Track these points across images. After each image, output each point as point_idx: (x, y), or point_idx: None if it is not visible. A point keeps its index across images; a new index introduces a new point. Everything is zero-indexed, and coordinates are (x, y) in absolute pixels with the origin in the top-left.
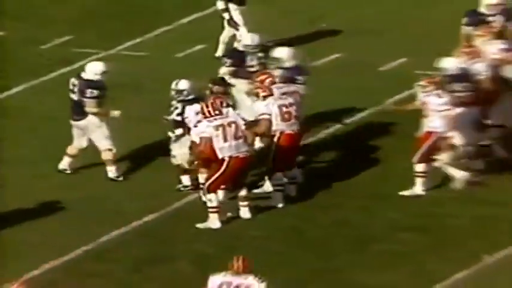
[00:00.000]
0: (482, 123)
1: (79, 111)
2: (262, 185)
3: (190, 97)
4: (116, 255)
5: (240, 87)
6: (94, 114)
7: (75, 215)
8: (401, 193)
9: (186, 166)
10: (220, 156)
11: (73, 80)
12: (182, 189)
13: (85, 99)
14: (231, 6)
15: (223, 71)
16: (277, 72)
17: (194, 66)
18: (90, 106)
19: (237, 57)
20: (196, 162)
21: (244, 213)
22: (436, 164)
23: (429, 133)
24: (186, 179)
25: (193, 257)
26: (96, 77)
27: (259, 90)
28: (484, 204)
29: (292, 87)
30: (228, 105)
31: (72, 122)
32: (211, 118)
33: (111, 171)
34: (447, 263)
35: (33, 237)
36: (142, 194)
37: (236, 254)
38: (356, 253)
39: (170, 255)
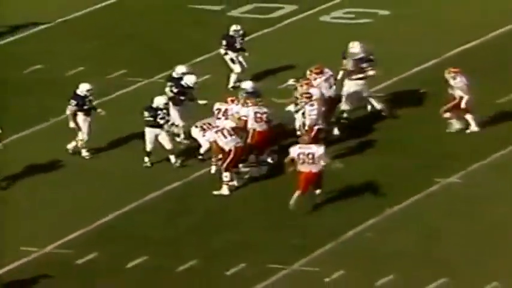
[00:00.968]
0: None
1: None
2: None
3: None
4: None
5: None
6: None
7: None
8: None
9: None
10: (226, 148)
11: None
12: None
13: None
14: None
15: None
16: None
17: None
18: None
19: None
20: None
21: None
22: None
23: None
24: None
25: (207, 210)
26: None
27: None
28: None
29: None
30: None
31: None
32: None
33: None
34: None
35: (68, 203)
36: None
37: (230, 205)
38: None
39: (192, 210)
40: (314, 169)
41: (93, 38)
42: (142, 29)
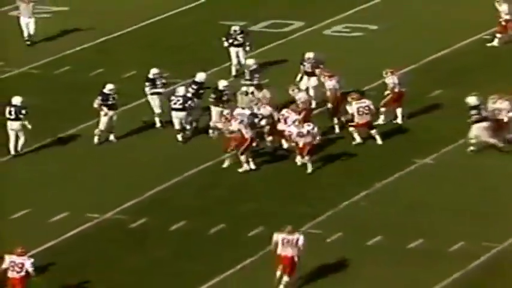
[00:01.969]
0: None
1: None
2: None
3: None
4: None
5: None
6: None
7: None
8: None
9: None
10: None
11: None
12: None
13: None
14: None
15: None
16: None
17: None
18: None
19: None
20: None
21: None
22: None
23: None
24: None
25: (233, 185)
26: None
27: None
28: None
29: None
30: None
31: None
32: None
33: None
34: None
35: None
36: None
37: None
38: None
39: (221, 184)
40: (291, 254)
41: (145, 47)
42: (182, 40)
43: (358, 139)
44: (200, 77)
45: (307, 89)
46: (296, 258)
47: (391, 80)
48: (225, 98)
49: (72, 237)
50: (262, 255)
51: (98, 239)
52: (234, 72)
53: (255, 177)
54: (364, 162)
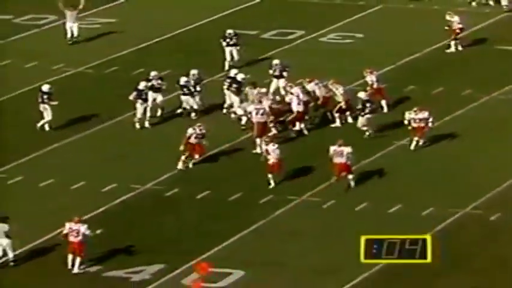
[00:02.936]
0: None
1: None
2: None
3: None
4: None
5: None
6: None
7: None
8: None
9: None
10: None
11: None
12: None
13: None
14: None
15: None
16: None
17: None
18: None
19: None
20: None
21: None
22: None
23: None
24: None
25: (247, 162)
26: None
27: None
28: None
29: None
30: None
31: None
32: None
33: None
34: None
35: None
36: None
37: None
38: None
39: (239, 162)
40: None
41: (178, 51)
42: (208, 45)
43: (337, 123)
44: (234, 72)
45: (277, 89)
46: (349, 162)
47: (369, 78)
48: (242, 88)
49: (119, 203)
50: (273, 218)
51: (139, 205)
52: (227, 67)
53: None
54: (353, 143)
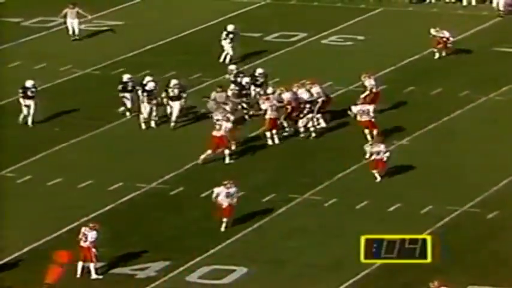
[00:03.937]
0: None
1: None
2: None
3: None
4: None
5: None
6: None
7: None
8: None
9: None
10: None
11: None
12: None
13: None
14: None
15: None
16: None
17: None
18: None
19: None
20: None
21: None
22: None
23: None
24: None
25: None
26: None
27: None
28: None
29: None
30: None
31: None
32: None
33: None
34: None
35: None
36: None
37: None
38: None
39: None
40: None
41: (182, 53)
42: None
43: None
44: (259, 70)
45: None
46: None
47: (368, 82)
48: (259, 82)
49: (125, 202)
50: (275, 216)
51: (145, 204)
52: (221, 60)
53: (269, 152)
54: (355, 142)
